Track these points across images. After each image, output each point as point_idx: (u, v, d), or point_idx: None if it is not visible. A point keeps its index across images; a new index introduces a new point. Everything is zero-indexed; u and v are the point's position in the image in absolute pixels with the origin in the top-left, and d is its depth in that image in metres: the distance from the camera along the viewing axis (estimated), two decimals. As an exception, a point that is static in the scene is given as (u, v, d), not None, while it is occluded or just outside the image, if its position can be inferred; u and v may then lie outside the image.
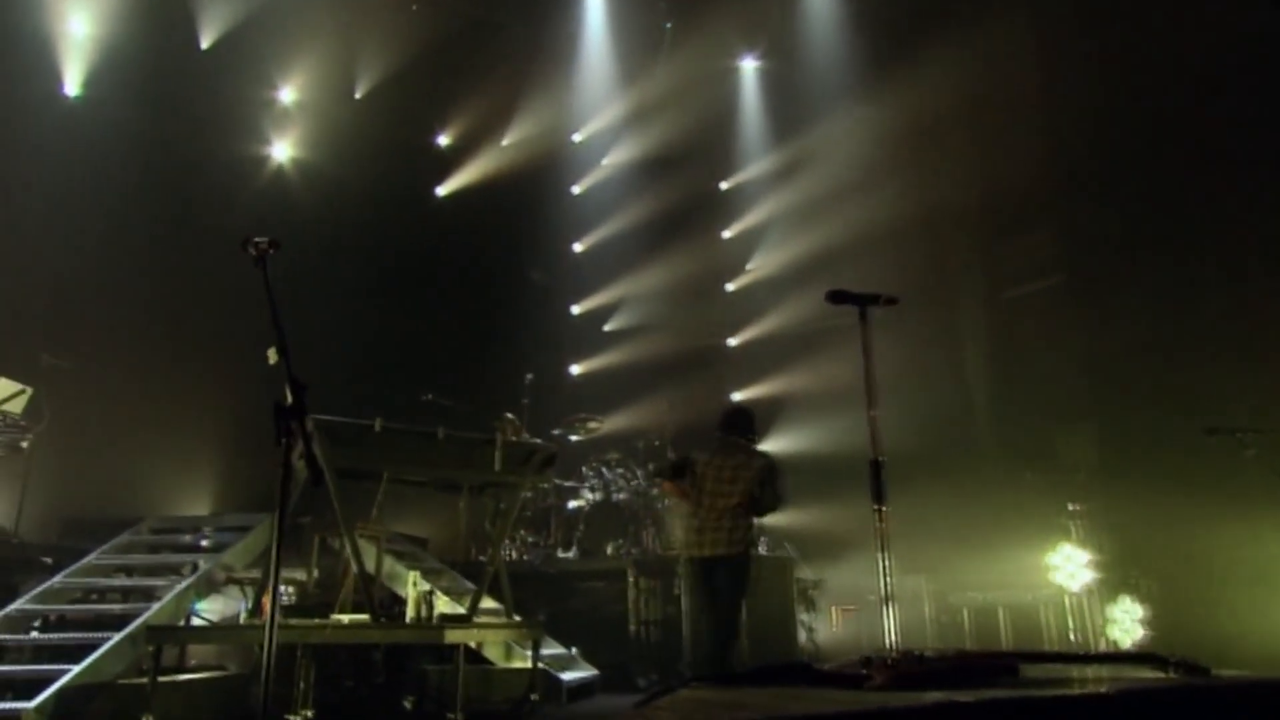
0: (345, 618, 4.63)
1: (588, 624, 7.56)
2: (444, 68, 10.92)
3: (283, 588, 4.83)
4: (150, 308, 7.78)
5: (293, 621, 4.61)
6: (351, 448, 4.44)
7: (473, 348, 10.25)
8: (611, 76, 11.02)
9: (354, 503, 6.12)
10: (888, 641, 2.81)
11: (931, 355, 10.89)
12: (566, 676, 6.09)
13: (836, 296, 3.51)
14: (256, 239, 3.05)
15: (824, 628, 9.65)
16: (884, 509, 3.17)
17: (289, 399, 2.52)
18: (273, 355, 2.56)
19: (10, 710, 4.57)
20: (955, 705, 1.35)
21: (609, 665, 6.89)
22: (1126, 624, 6.03)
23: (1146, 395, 7.57)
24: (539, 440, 7.60)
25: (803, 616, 8.61)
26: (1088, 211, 8.67)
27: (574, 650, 6.59)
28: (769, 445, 12.37)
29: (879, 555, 3.03)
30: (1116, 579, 6.42)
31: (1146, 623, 5.89)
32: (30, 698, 4.66)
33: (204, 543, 6.60)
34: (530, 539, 8.15)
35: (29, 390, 6.09)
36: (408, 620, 4.52)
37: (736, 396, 12.69)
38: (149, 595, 5.83)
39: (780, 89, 11.09)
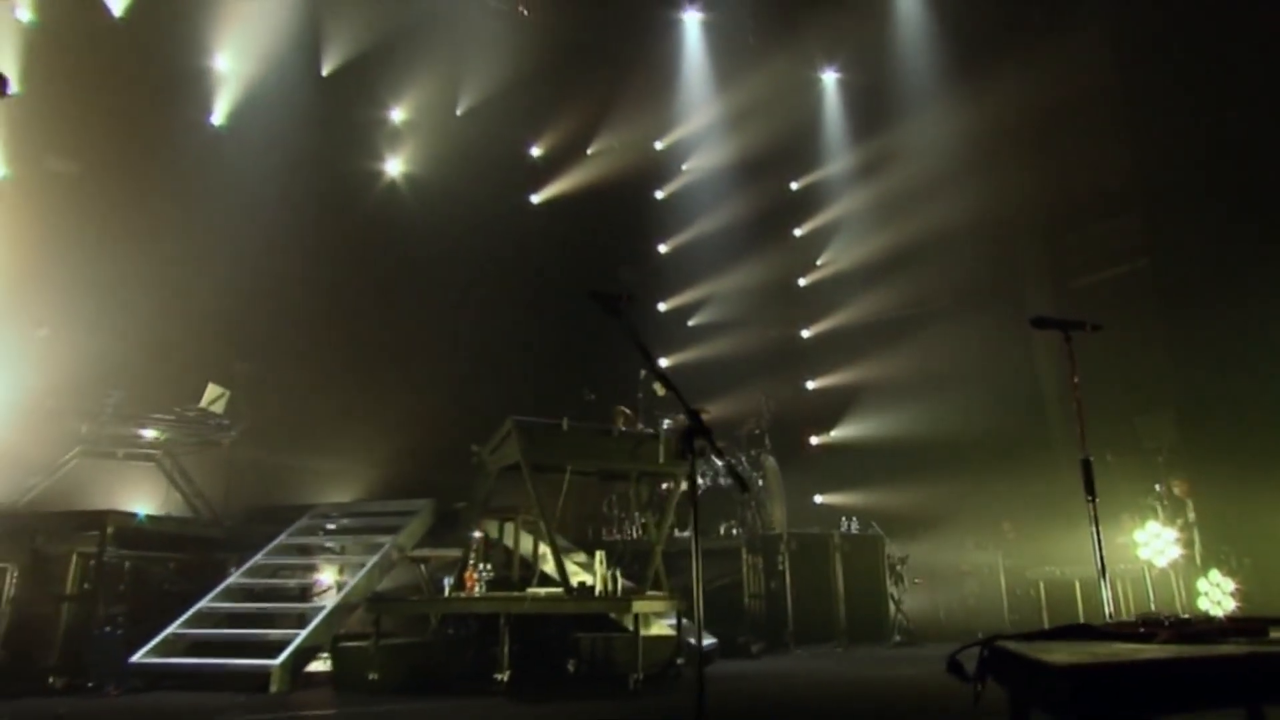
0: (542, 591, 5.23)
1: (702, 596, 8.11)
2: (537, 85, 11.46)
3: (483, 565, 5.46)
4: (312, 316, 8.48)
5: (497, 595, 5.25)
6: (544, 445, 5.03)
7: (574, 344, 10.82)
8: (694, 89, 11.48)
9: (503, 493, 6.74)
10: (1105, 610, 3.20)
11: (1003, 345, 11.25)
12: (706, 641, 6.65)
13: (1040, 322, 3.50)
14: (620, 294, 3.18)
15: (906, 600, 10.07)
16: (1095, 500, 3.40)
17: (690, 422, 2.91)
18: (660, 389, 2.97)
19: (260, 666, 5.31)
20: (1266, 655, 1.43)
21: (719, 634, 7.41)
22: (1216, 595, 6.43)
23: (1226, 382, 7.86)
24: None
25: (891, 590, 9.07)
26: (1162, 204, 8.95)
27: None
28: (842, 431, 12.93)
29: (1093, 531, 3.33)
30: (1205, 555, 6.80)
31: (1237, 594, 6.29)
32: (272, 656, 5.39)
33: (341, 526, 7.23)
34: (641, 520, 8.74)
35: (227, 393, 6.84)
36: (596, 594, 5.09)
37: (811, 385, 13.21)
38: (340, 571, 6.57)
39: (858, 98, 11.45)
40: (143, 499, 6.61)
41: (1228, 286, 8.16)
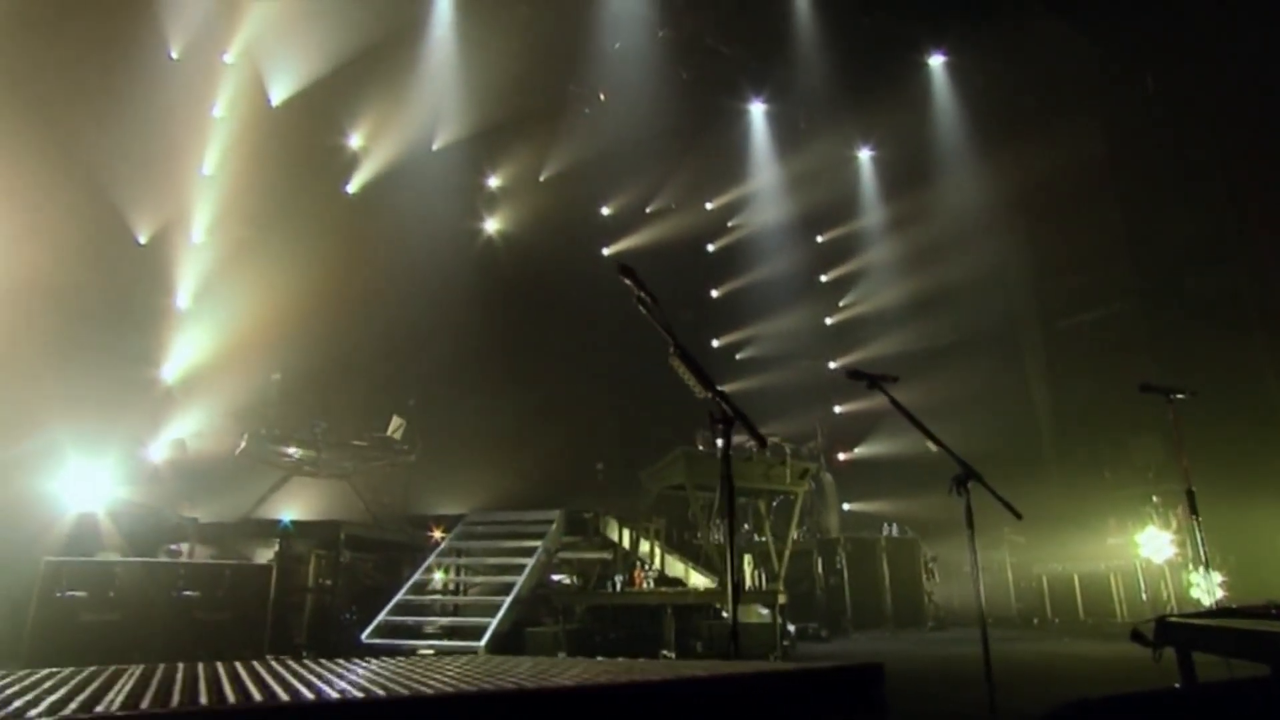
0: (701, 585, 5.89)
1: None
2: (607, 156, 12.23)
3: (648, 566, 6.12)
4: (455, 361, 9.12)
5: (662, 589, 5.93)
6: (703, 469, 5.75)
7: (647, 376, 11.50)
8: (748, 163, 12.35)
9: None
10: (1206, 599, 3.76)
11: (1001, 377, 12.10)
12: (791, 628, 7.33)
13: (1147, 388, 3.84)
14: (880, 375, 3.53)
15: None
16: (1199, 518, 3.97)
17: (962, 470, 3.37)
18: (932, 446, 3.46)
19: (468, 647, 5.96)
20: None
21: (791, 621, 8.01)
22: (1206, 587, 7.21)
23: (1206, 406, 8.68)
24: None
25: (925, 584, 9.78)
26: (1149, 254, 9.83)
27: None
28: (865, 449, 13.66)
29: (1198, 534, 3.87)
30: (1194, 554, 7.57)
31: (1224, 585, 7.07)
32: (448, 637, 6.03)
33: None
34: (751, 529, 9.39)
35: (404, 423, 7.52)
36: (747, 587, 5.77)
37: (838, 409, 13.98)
38: (505, 570, 7.21)
39: (886, 171, 12.37)
40: (339, 511, 7.26)
41: (1205, 324, 9.06)
